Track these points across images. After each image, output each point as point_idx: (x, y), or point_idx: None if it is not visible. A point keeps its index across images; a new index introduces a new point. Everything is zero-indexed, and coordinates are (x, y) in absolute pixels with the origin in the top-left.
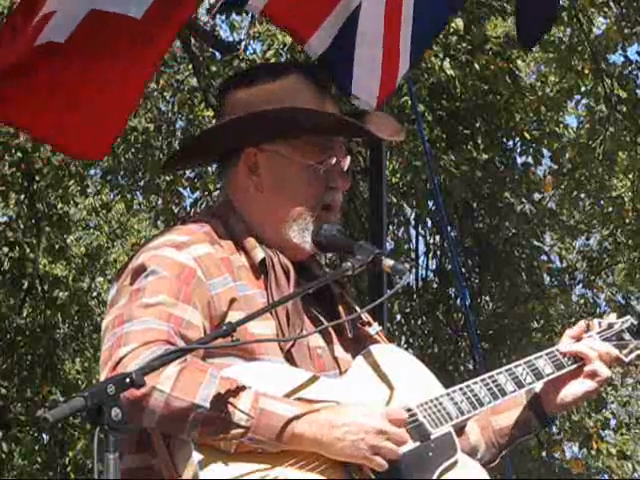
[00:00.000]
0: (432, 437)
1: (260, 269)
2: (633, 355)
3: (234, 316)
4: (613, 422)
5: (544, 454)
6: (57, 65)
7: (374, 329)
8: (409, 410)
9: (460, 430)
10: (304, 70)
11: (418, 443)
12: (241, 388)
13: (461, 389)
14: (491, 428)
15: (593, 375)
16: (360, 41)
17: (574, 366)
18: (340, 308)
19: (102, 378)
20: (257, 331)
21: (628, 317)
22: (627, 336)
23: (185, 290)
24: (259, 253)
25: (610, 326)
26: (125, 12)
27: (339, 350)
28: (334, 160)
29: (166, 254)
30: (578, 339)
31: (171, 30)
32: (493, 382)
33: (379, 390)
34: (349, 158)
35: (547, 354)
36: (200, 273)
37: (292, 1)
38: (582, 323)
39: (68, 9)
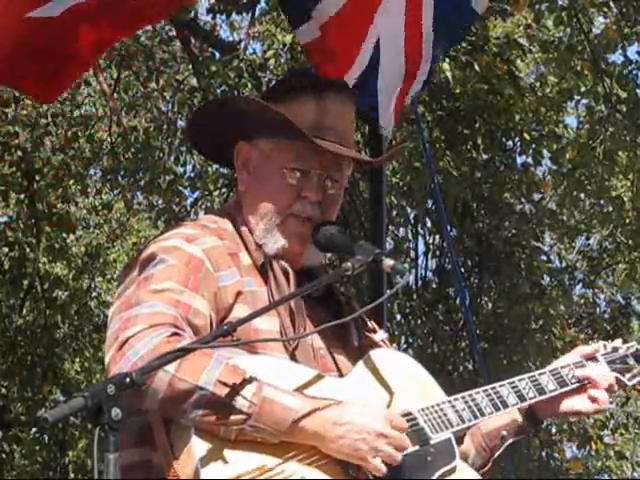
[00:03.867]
0: (432, 442)
1: (262, 270)
2: (636, 380)
3: (239, 309)
4: (612, 422)
5: (544, 454)
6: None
7: (379, 336)
8: (410, 414)
9: (460, 439)
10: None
11: (417, 447)
12: (246, 376)
13: (463, 397)
14: (479, 432)
15: (594, 400)
16: (382, 72)
17: (577, 385)
18: (345, 314)
19: (107, 359)
20: (261, 327)
21: (634, 343)
22: (631, 361)
23: (193, 279)
24: (260, 257)
25: (615, 349)
26: None
27: (342, 355)
28: (312, 170)
29: (175, 245)
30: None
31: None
32: (495, 393)
33: (379, 394)
34: (344, 173)
35: (550, 371)
36: (208, 265)
37: (331, 40)
38: (596, 346)
39: None
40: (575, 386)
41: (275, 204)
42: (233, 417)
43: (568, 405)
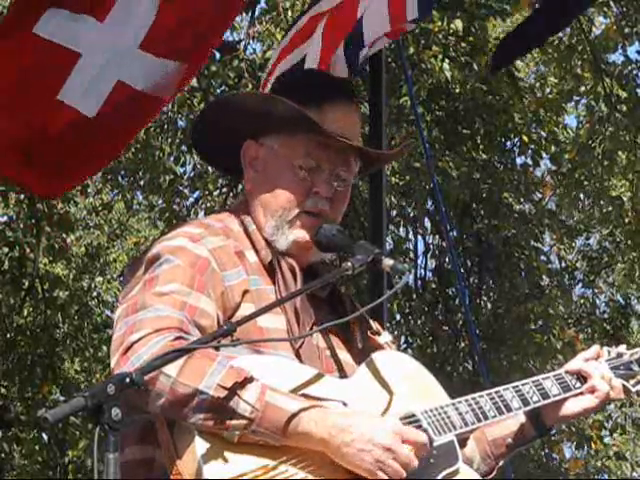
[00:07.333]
0: (435, 444)
1: (269, 268)
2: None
3: (246, 307)
4: (609, 423)
5: (544, 454)
6: (86, 139)
7: (383, 338)
8: (413, 416)
9: (463, 442)
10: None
11: None
12: (249, 379)
13: (467, 400)
14: (485, 439)
15: (592, 390)
16: None
17: (581, 389)
18: (349, 315)
19: (112, 364)
20: (266, 325)
21: (638, 349)
22: (635, 367)
23: (199, 279)
24: (268, 255)
25: (619, 355)
26: (152, 93)
27: (346, 356)
28: (322, 165)
29: (180, 244)
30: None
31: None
32: (499, 397)
33: (381, 396)
34: (352, 170)
35: (554, 376)
36: (214, 264)
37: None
38: (597, 347)
39: (93, 61)
40: (578, 391)
41: (286, 200)
42: (235, 422)
43: (571, 407)
